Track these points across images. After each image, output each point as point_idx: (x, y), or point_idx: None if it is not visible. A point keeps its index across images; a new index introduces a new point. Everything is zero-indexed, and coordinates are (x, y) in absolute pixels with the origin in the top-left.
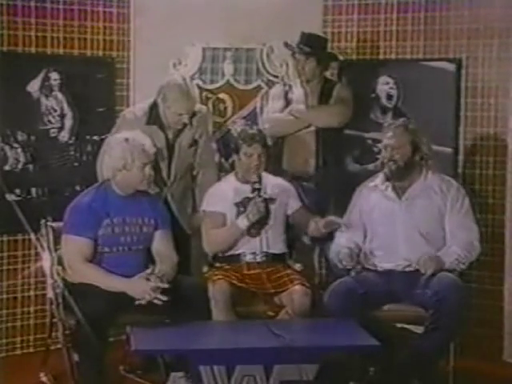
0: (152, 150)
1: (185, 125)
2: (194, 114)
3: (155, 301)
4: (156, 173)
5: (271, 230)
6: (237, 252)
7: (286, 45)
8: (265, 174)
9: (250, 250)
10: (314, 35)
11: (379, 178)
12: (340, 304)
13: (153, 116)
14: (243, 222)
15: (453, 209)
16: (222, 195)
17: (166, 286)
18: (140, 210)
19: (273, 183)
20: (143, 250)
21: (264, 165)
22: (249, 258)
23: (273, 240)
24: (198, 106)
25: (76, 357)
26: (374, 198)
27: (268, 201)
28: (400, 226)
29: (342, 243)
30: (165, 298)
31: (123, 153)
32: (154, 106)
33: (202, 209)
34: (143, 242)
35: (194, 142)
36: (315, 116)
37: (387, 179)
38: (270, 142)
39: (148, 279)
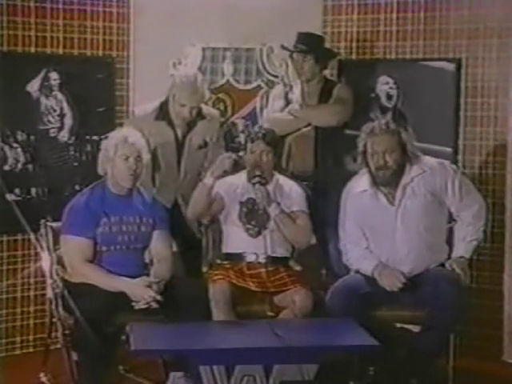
0: (138, 143)
1: (187, 120)
2: (203, 117)
3: (152, 304)
4: (155, 171)
5: (274, 234)
6: (238, 251)
7: (283, 47)
8: (279, 177)
9: (252, 250)
10: (310, 34)
11: (366, 182)
12: (342, 304)
13: (162, 112)
14: (208, 180)
15: (447, 190)
16: (230, 187)
17: (159, 298)
18: (137, 209)
19: (284, 186)
20: (142, 248)
21: (269, 163)
22: (250, 258)
23: (276, 244)
24: (209, 110)
25: (75, 356)
26: (366, 203)
27: (272, 203)
28: (400, 225)
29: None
30: (159, 298)
31: (106, 145)
32: (164, 104)
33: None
34: (142, 241)
35: (204, 144)
36: (313, 115)
37: (376, 184)
38: (274, 140)
39: (149, 286)
